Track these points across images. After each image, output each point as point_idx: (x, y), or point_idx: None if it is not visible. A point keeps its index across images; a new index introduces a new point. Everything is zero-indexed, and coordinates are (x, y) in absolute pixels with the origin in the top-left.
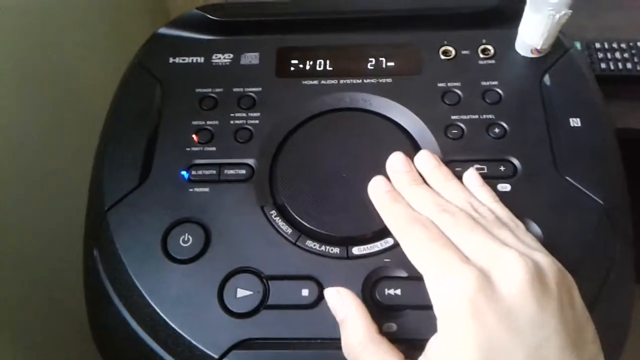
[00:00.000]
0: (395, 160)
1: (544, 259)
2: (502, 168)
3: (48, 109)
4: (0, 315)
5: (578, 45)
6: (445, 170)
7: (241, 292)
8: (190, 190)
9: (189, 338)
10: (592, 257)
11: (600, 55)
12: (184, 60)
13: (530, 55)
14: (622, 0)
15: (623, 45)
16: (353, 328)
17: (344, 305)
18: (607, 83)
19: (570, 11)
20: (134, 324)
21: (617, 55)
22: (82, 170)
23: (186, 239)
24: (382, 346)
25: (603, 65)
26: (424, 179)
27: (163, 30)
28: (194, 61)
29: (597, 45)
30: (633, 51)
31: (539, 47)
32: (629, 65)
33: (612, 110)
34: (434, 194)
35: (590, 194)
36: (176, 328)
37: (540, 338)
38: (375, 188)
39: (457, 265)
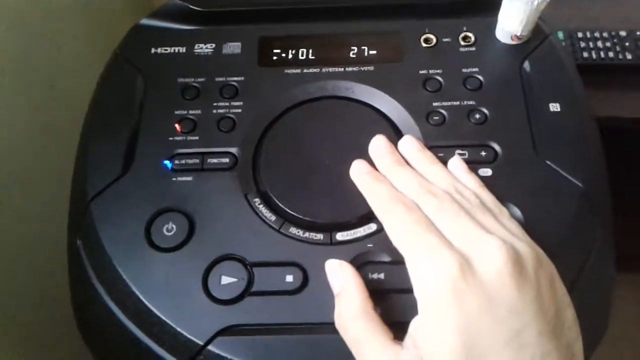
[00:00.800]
0: (378, 143)
1: (524, 247)
2: (483, 153)
3: (30, 103)
4: None
5: (561, 35)
6: (429, 154)
7: (225, 279)
8: (174, 179)
9: (174, 325)
10: (572, 238)
11: (583, 44)
12: (165, 50)
13: (510, 42)
14: None
15: (605, 35)
16: (349, 301)
17: (343, 277)
18: (589, 72)
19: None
20: (118, 313)
21: (599, 44)
22: (69, 166)
23: (170, 227)
24: (374, 323)
25: (585, 55)
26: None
27: (145, 22)
28: (176, 51)
29: (580, 34)
30: (615, 40)
31: (518, 34)
32: (610, 54)
33: (595, 98)
34: (417, 175)
35: (570, 177)
36: (161, 316)
37: (520, 323)
38: (358, 170)
39: (440, 250)
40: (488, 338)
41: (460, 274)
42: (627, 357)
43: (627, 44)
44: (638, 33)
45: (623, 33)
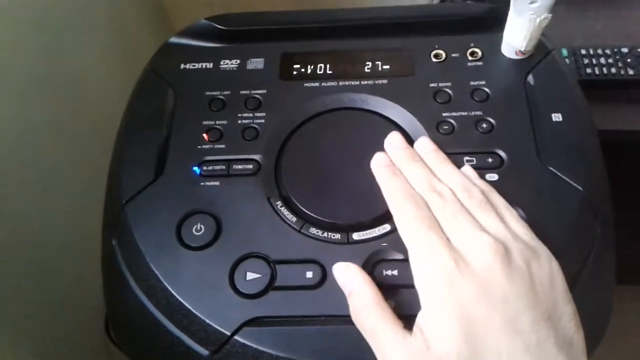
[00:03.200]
0: (394, 138)
1: (518, 244)
2: (489, 160)
3: (55, 111)
4: (16, 311)
5: (565, 52)
6: (442, 154)
7: (250, 275)
8: (202, 184)
9: (203, 318)
10: (573, 239)
11: (586, 61)
12: (194, 66)
13: (514, 57)
14: (607, 11)
15: (607, 51)
16: (361, 295)
17: (352, 277)
18: (592, 87)
19: (551, 15)
20: (151, 307)
21: (602, 60)
22: (93, 172)
23: (199, 228)
24: (385, 313)
25: (588, 70)
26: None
27: (174, 40)
28: (203, 67)
29: (583, 51)
30: (617, 57)
31: (522, 49)
32: (613, 70)
33: (597, 111)
34: (429, 172)
35: (571, 182)
36: (191, 309)
37: (513, 310)
38: (378, 161)
39: (439, 247)
40: (485, 323)
41: (456, 268)
42: None
43: (629, 60)
44: (639, 50)
45: (625, 49)
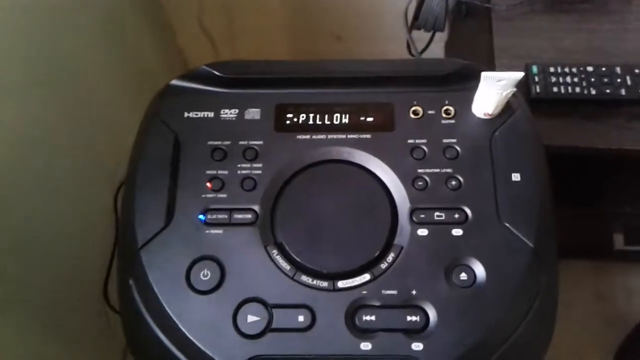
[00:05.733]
0: None
1: None
2: (456, 215)
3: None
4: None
5: (535, 69)
6: None
7: (251, 318)
8: (207, 231)
9: (211, 355)
10: (523, 286)
11: (554, 79)
12: (196, 114)
13: (483, 117)
14: (579, 24)
15: (574, 70)
16: None
17: None
18: (559, 104)
19: (515, 89)
20: (166, 341)
21: (568, 79)
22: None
23: (205, 273)
24: None
25: (555, 90)
26: None
27: (175, 82)
28: (205, 116)
29: (552, 69)
30: (582, 75)
31: (490, 112)
32: (577, 90)
33: (563, 128)
34: None
35: (523, 238)
36: (201, 347)
37: None
38: None
39: None
40: None
41: None
42: None
43: (592, 79)
44: (603, 69)
45: (590, 68)
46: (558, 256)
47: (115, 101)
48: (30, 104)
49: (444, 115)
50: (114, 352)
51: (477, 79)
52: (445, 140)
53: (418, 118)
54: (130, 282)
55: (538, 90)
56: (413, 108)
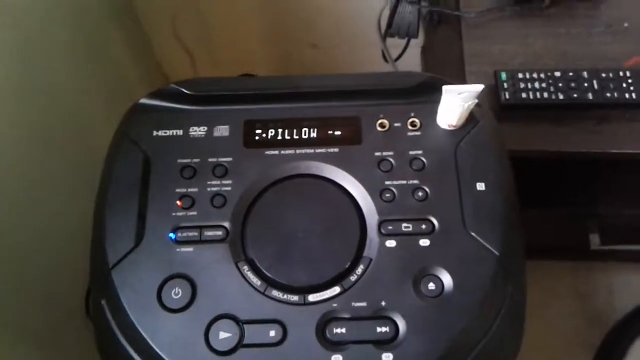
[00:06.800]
0: None
1: None
2: (423, 226)
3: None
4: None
5: (504, 75)
6: None
7: (223, 334)
8: (178, 250)
9: None
10: (488, 295)
11: (522, 85)
12: (165, 133)
13: (447, 128)
14: (549, 28)
15: (542, 75)
16: None
17: None
18: (529, 110)
19: (477, 100)
20: None
21: (536, 85)
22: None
23: (177, 291)
24: None
25: (524, 95)
26: None
27: (144, 101)
28: (174, 134)
29: (520, 75)
30: (550, 81)
31: (454, 124)
32: (545, 95)
33: (533, 133)
34: None
35: (489, 247)
36: None
37: None
38: None
39: None
40: None
41: None
42: None
43: (560, 84)
44: (570, 74)
45: (557, 73)
46: (526, 261)
47: (92, 115)
48: (3, 118)
49: (409, 127)
50: None
51: (441, 91)
52: (411, 152)
53: (385, 131)
54: (103, 302)
55: (507, 96)
56: (379, 121)
